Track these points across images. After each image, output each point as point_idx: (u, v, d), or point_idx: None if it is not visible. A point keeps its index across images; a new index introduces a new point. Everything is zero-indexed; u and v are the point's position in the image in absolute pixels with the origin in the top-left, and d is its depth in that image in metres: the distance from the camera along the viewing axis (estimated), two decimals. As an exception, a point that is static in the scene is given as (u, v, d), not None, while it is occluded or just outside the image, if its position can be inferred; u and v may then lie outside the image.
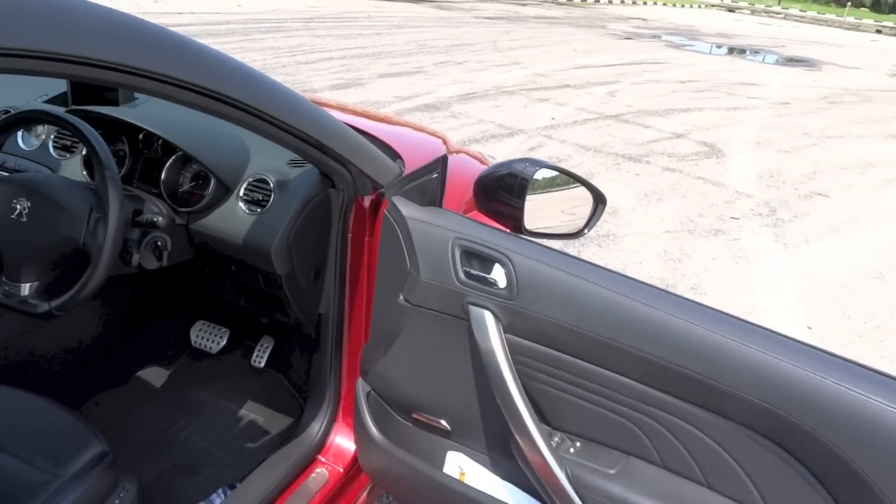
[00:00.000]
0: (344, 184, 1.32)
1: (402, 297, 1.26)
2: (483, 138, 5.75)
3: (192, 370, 2.01)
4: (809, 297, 3.67)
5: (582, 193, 1.46)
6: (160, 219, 1.36)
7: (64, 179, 1.33)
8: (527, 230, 1.39)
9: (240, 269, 1.56)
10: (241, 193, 1.44)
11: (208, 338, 2.07)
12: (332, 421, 1.57)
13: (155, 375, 1.98)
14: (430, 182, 1.48)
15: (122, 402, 1.87)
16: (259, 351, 2.00)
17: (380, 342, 1.34)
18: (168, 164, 1.50)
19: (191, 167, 1.52)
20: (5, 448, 1.22)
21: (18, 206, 1.25)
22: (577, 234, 1.47)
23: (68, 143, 1.61)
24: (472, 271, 1.19)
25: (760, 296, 3.61)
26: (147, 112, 1.56)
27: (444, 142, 1.81)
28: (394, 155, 1.48)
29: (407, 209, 1.26)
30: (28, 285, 1.26)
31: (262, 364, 1.99)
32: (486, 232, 1.20)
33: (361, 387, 1.42)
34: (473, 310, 1.16)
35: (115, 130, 1.57)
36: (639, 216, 4.49)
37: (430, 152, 1.60)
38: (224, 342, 2.06)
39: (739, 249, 4.15)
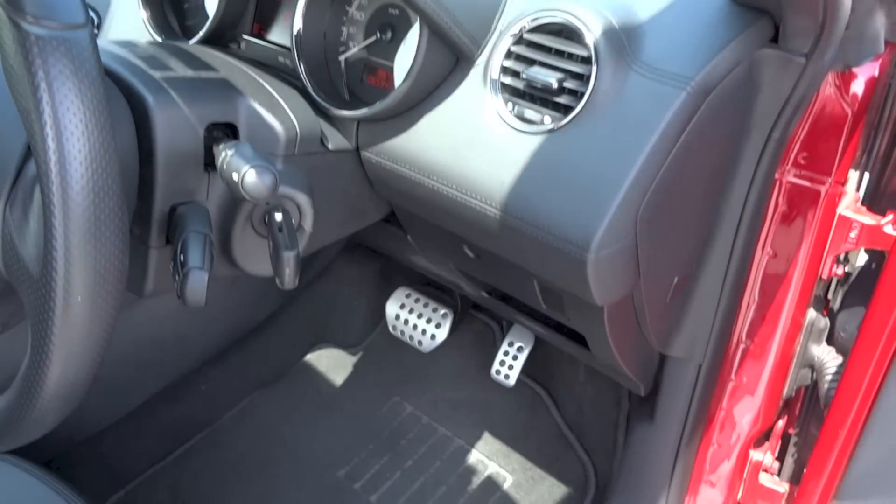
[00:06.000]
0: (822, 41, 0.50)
1: None
2: None
3: (389, 366, 1.21)
4: None
5: None
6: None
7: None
8: None
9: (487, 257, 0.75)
10: (497, 70, 0.60)
11: (416, 321, 1.15)
12: None
13: (328, 364, 1.22)
14: None
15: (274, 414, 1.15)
16: (506, 355, 1.12)
17: None
18: None
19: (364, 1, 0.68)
20: None
21: None
22: None
23: None
24: None
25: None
26: None
27: None
28: None
29: None
30: None
31: (512, 380, 1.11)
32: None
33: None
34: None
35: None
36: None
37: None
38: (445, 334, 1.15)
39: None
